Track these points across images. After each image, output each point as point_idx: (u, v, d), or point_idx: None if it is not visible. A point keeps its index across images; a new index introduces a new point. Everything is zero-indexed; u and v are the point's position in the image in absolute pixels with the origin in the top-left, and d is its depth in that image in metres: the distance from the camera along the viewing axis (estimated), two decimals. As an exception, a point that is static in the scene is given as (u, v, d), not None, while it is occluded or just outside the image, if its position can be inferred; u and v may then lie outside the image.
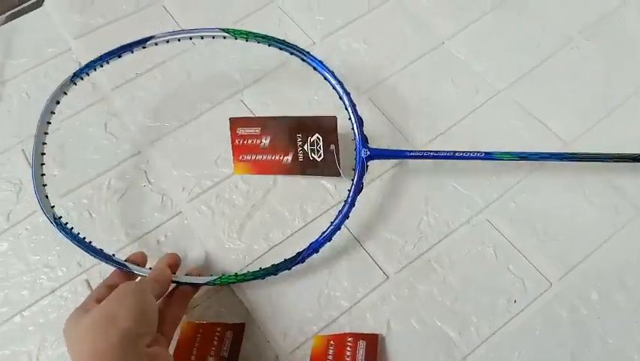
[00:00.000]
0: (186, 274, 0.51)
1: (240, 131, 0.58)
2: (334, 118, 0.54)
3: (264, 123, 0.57)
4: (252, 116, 0.62)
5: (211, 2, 0.71)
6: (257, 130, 0.57)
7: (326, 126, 0.55)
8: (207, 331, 0.50)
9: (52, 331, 0.51)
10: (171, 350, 0.48)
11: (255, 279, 0.50)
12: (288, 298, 0.52)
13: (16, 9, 0.76)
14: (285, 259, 0.51)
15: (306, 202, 0.57)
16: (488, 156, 0.53)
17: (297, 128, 0.56)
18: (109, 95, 0.65)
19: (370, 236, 0.55)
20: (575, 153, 0.54)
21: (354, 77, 0.64)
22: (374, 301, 0.51)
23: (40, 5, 0.74)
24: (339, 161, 0.55)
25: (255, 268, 0.52)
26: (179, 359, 0.48)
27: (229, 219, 0.56)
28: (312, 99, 0.63)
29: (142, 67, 0.67)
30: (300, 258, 0.50)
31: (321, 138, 0.55)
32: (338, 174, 0.55)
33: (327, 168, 0.55)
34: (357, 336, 0.49)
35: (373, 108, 0.62)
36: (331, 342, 0.49)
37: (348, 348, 0.48)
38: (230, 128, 0.58)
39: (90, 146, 0.62)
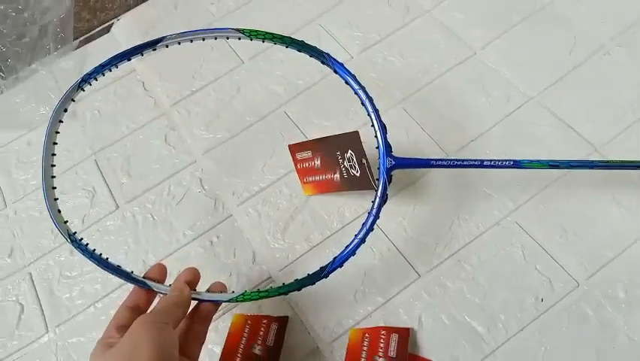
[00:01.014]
0: (208, 290, 0.51)
1: (299, 155, 0.61)
2: (356, 133, 0.55)
3: (313, 146, 0.60)
4: (301, 136, 0.67)
5: (256, 23, 0.77)
6: (309, 153, 0.60)
7: (353, 142, 0.55)
8: (255, 322, 0.56)
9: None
10: (222, 339, 0.54)
11: (278, 295, 0.50)
12: (327, 294, 0.57)
13: (88, 34, 0.85)
14: (308, 274, 0.50)
15: (343, 206, 0.61)
16: (517, 164, 0.51)
17: (335, 146, 0.57)
18: (168, 110, 0.72)
19: (404, 237, 0.59)
20: (606, 161, 0.53)
21: (389, 88, 0.69)
22: (407, 298, 0.55)
23: (108, 31, 0.83)
24: (371, 174, 0.55)
25: (289, 277, 0.57)
26: (230, 347, 0.54)
27: (274, 221, 0.62)
28: (349, 110, 0.67)
29: (197, 84, 0.74)
30: (324, 273, 0.50)
31: (353, 154, 0.56)
32: (373, 188, 0.53)
33: (364, 182, 0.56)
34: (390, 330, 0.53)
35: (408, 118, 0.66)
36: (366, 335, 0.53)
37: (382, 340, 0.52)
38: (291, 154, 0.61)
39: (152, 156, 0.69)
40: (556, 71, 0.66)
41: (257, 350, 0.54)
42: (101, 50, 0.81)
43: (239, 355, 0.53)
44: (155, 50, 0.53)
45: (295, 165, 0.62)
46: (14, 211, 0.68)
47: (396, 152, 0.61)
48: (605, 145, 0.60)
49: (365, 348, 0.52)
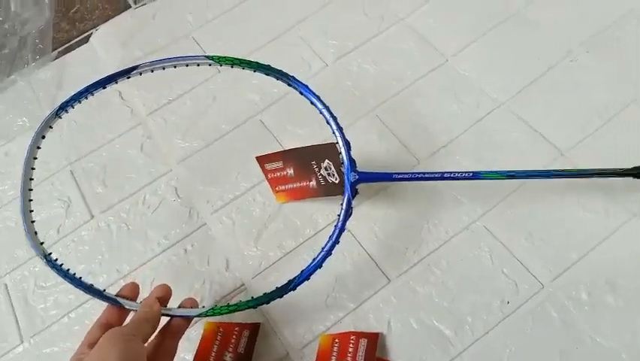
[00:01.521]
0: (179, 306, 0.53)
1: (268, 166, 0.62)
2: (333, 145, 0.55)
3: (283, 156, 0.61)
4: (276, 144, 0.68)
5: (234, 32, 0.79)
6: (279, 163, 0.62)
7: (330, 152, 0.58)
8: (227, 330, 0.57)
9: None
10: (194, 347, 0.55)
11: (247, 308, 0.52)
12: (298, 300, 0.58)
13: (67, 44, 0.86)
14: (277, 288, 0.52)
15: (316, 212, 0.63)
16: (476, 175, 0.54)
17: (310, 156, 0.60)
18: (145, 119, 0.73)
19: (375, 243, 0.60)
20: (562, 170, 0.55)
21: (363, 96, 0.70)
22: (377, 303, 0.56)
23: (87, 41, 0.84)
24: None
25: (261, 284, 0.59)
26: (202, 355, 0.55)
27: (247, 229, 0.63)
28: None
29: (174, 93, 0.75)
30: (291, 286, 0.52)
31: (331, 163, 0.59)
32: (356, 192, 0.55)
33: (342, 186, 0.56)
34: (360, 335, 0.54)
35: (380, 125, 0.67)
36: (336, 340, 0.54)
37: (351, 346, 0.53)
38: (260, 165, 0.63)
39: (128, 165, 0.70)
40: (525, 77, 0.68)
41: (228, 357, 0.54)
42: (79, 60, 0.82)
43: (210, 362, 0.54)
44: (129, 77, 0.57)
45: (265, 175, 0.63)
46: (-9, 222, 0.69)
47: (368, 159, 0.63)
48: (571, 149, 0.62)
49: (335, 354, 0.53)
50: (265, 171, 0.63)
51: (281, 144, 0.68)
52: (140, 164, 0.70)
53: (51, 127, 0.56)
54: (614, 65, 0.67)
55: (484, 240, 0.58)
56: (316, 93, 0.56)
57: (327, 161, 0.59)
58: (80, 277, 0.54)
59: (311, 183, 0.61)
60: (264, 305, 0.53)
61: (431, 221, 0.60)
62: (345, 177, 0.54)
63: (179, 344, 0.51)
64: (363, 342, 0.53)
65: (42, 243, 0.53)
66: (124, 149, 0.72)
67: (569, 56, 0.68)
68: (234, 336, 0.56)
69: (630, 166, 0.54)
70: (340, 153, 0.54)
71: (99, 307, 0.57)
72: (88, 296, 0.60)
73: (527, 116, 0.65)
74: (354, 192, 0.54)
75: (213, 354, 0.55)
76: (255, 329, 0.57)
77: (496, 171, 0.54)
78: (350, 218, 0.53)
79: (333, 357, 0.53)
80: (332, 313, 0.57)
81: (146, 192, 0.68)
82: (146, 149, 0.71)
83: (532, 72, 0.68)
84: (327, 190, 0.60)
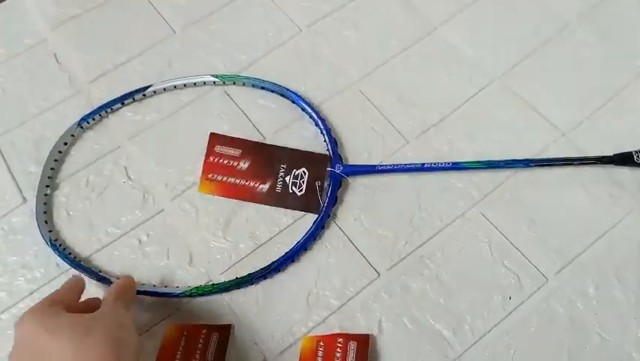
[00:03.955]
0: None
1: (219, 148, 0.58)
2: (326, 156, 0.57)
3: (248, 146, 0.58)
4: (243, 118, 0.62)
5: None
6: (237, 152, 0.58)
7: (316, 162, 0.57)
8: (192, 333, 0.50)
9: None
10: (153, 353, 0.49)
11: (233, 288, 0.52)
12: (276, 298, 0.52)
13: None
14: (261, 268, 0.52)
15: (293, 198, 0.57)
16: (456, 166, 0.55)
17: (284, 158, 0.58)
18: (85, 87, 0.64)
19: (361, 232, 0.55)
20: (542, 159, 0.55)
21: (343, 66, 0.64)
22: (365, 300, 0.52)
23: (13, -6, 0.73)
24: (321, 197, 0.56)
25: (239, 271, 0.53)
26: (163, 363, 0.49)
27: (214, 216, 0.56)
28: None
29: (120, 57, 0.66)
30: (274, 266, 0.52)
31: (306, 173, 0.57)
32: (317, 211, 0.55)
33: (307, 202, 0.56)
34: (348, 337, 0.49)
35: (364, 100, 0.62)
36: (321, 343, 0.49)
37: (338, 350, 0.49)
38: (209, 143, 0.58)
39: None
40: (520, 51, 0.64)
41: (195, 366, 0.48)
42: (4, 16, 0.71)
43: (173, 374, 0.48)
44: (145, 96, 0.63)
45: (207, 157, 0.58)
46: None
47: (352, 140, 0.59)
48: (572, 130, 0.59)
49: (320, 359, 0.48)
50: (210, 152, 0.58)
51: (249, 120, 0.61)
52: (81, 139, 0.61)
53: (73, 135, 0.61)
54: (614, 38, 0.64)
55: (482, 228, 0.54)
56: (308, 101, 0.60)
57: (303, 169, 0.57)
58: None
59: (261, 186, 0.57)
60: (240, 298, 0.51)
61: (423, 207, 0.56)
62: (332, 167, 0.56)
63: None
64: (353, 345, 0.49)
65: (50, 231, 0.55)
66: (61, 120, 0.62)
67: (567, 27, 0.65)
68: (202, 341, 0.50)
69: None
70: (327, 149, 0.57)
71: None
72: (23, 294, 0.54)
73: (524, 92, 0.61)
74: (339, 184, 0.56)
75: (177, 363, 0.49)
76: (225, 331, 0.51)
77: (476, 161, 0.56)
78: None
79: (319, 363, 0.48)
80: (315, 313, 0.51)
81: (89, 172, 0.59)
82: (87, 122, 0.62)
83: (529, 45, 0.64)
84: (279, 199, 0.56)
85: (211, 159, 0.58)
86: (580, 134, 0.58)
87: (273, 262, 0.53)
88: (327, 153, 0.58)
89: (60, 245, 0.55)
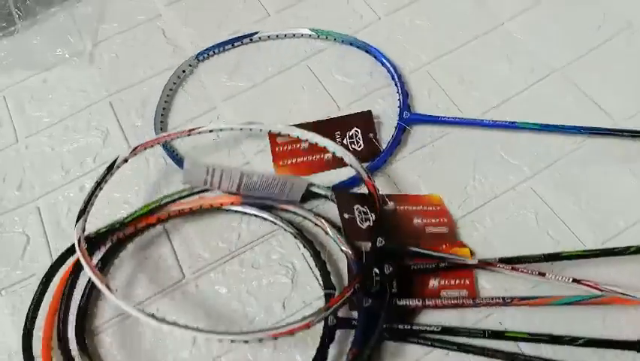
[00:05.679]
0: None
1: (280, 139, 0.66)
2: (369, 112, 0.66)
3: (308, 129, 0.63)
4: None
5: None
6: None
7: (363, 119, 0.66)
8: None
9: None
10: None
11: None
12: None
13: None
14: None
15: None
16: (513, 125, 0.63)
17: (334, 127, 0.66)
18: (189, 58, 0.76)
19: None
20: (598, 128, 0.62)
21: (414, 50, 0.72)
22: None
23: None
24: (379, 144, 0.65)
25: None
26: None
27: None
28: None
29: (221, 35, 0.77)
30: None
31: (359, 131, 0.65)
32: (379, 152, 0.64)
33: (368, 152, 0.64)
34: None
35: (431, 81, 0.70)
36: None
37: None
38: (270, 138, 0.67)
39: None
40: (582, 46, 0.70)
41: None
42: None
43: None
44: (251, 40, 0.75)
45: (273, 148, 0.66)
46: (25, 146, 0.72)
47: (417, 110, 0.66)
48: (626, 120, 0.64)
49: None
50: (273, 144, 0.66)
51: (328, 92, 0.70)
52: (180, 102, 0.73)
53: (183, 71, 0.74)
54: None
55: (531, 201, 0.60)
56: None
57: (355, 129, 0.65)
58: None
59: (326, 155, 0.65)
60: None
61: (477, 178, 0.62)
62: (399, 114, 0.66)
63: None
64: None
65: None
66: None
67: (629, 28, 0.70)
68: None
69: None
70: (399, 99, 0.66)
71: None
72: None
73: (583, 84, 0.67)
74: (404, 129, 0.65)
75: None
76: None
77: (532, 123, 0.62)
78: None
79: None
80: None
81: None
82: (188, 88, 0.74)
83: (591, 41, 0.70)
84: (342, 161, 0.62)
85: (277, 149, 0.66)
86: (633, 124, 0.63)
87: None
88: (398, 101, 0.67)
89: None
